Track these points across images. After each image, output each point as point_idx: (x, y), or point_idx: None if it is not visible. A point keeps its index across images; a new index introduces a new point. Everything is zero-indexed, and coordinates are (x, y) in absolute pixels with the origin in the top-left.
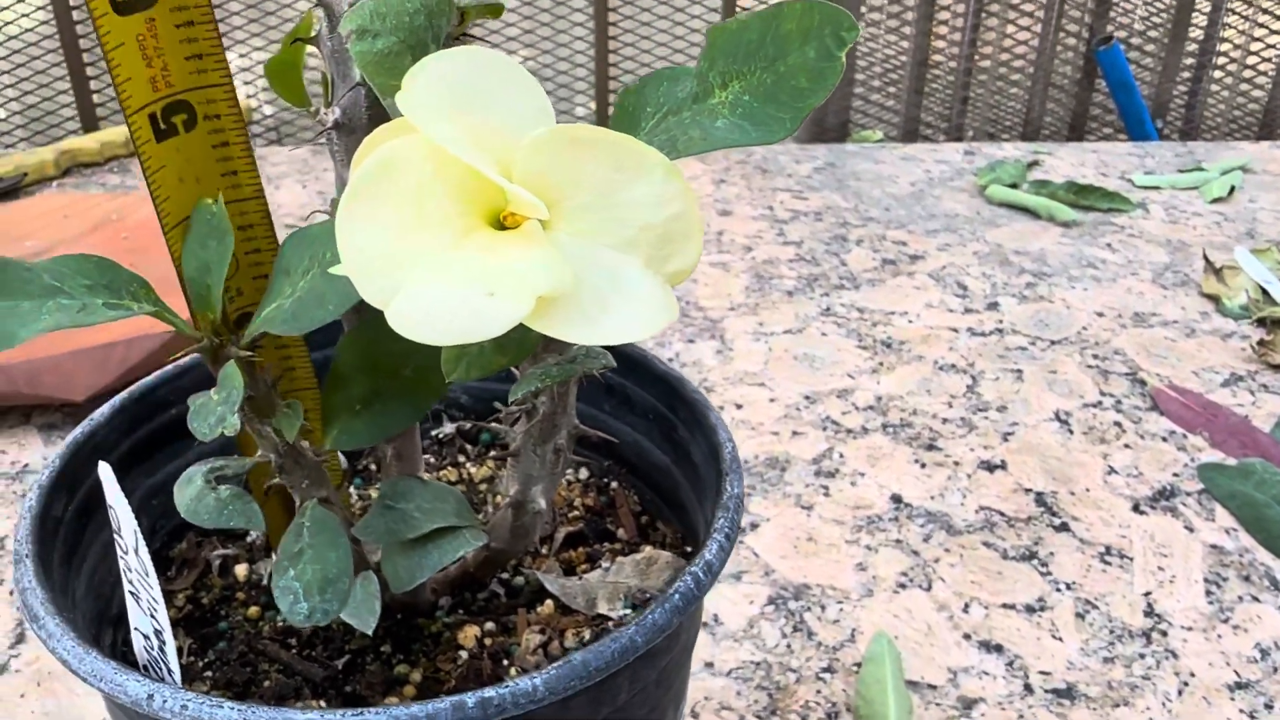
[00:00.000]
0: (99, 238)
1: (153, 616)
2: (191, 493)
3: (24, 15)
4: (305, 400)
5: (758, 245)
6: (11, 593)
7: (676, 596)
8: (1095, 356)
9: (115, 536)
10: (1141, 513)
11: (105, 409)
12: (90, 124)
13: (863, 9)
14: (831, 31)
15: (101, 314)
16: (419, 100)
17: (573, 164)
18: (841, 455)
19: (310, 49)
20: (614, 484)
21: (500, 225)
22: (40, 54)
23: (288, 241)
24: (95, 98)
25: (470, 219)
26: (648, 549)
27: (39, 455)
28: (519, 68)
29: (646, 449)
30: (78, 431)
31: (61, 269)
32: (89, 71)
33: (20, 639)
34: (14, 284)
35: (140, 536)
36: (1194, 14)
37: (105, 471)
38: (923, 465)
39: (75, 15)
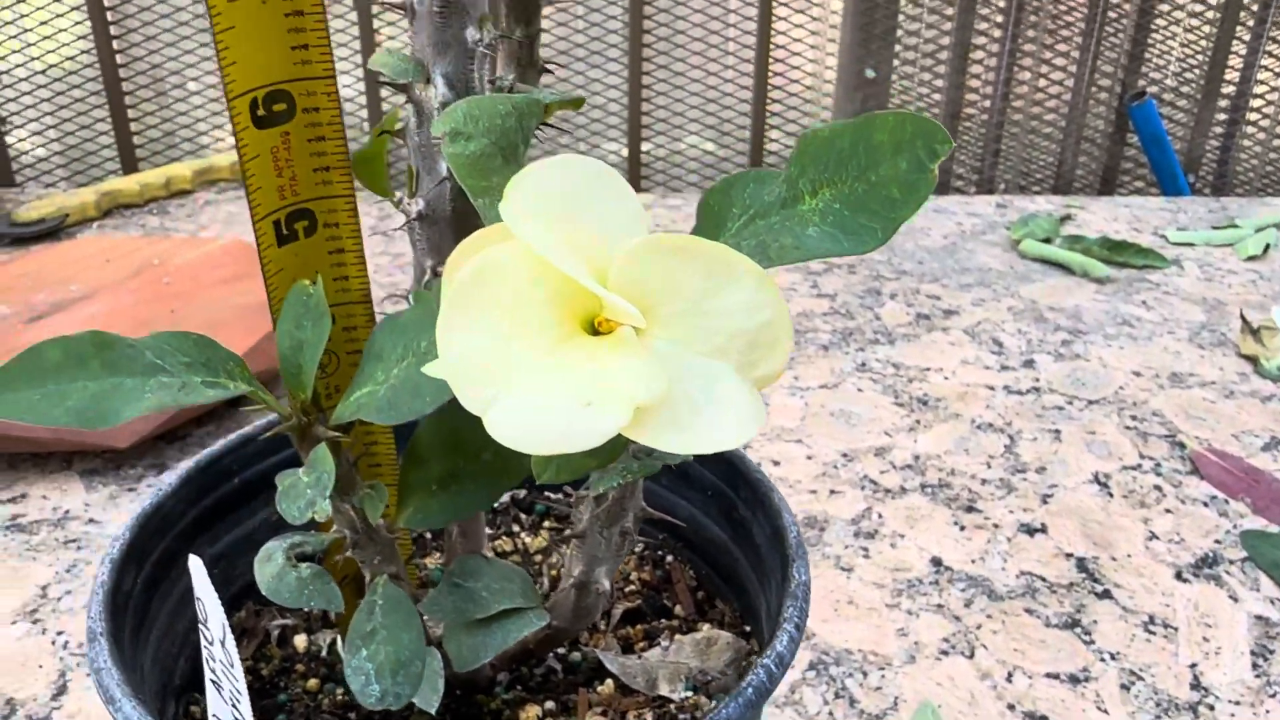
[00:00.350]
0: (142, 281)
1: (235, 707)
2: (272, 570)
3: (68, 58)
4: (383, 475)
5: (792, 298)
6: (53, 642)
7: (750, 691)
8: (1133, 418)
9: (201, 627)
10: (1184, 580)
11: (173, 479)
12: (129, 163)
13: (895, 61)
14: (924, 144)
15: (200, 393)
16: (519, 210)
17: (667, 271)
18: (880, 516)
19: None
20: (670, 558)
21: (594, 329)
22: (83, 95)
23: (380, 328)
24: (135, 139)
25: (566, 325)
26: (706, 628)
27: (80, 501)
28: (614, 174)
29: (704, 524)
30: (146, 504)
31: (163, 346)
32: (130, 113)
33: (63, 690)
34: (120, 361)
35: (228, 629)
36: (1227, 69)
37: (196, 566)
38: (962, 527)
39: (119, 58)
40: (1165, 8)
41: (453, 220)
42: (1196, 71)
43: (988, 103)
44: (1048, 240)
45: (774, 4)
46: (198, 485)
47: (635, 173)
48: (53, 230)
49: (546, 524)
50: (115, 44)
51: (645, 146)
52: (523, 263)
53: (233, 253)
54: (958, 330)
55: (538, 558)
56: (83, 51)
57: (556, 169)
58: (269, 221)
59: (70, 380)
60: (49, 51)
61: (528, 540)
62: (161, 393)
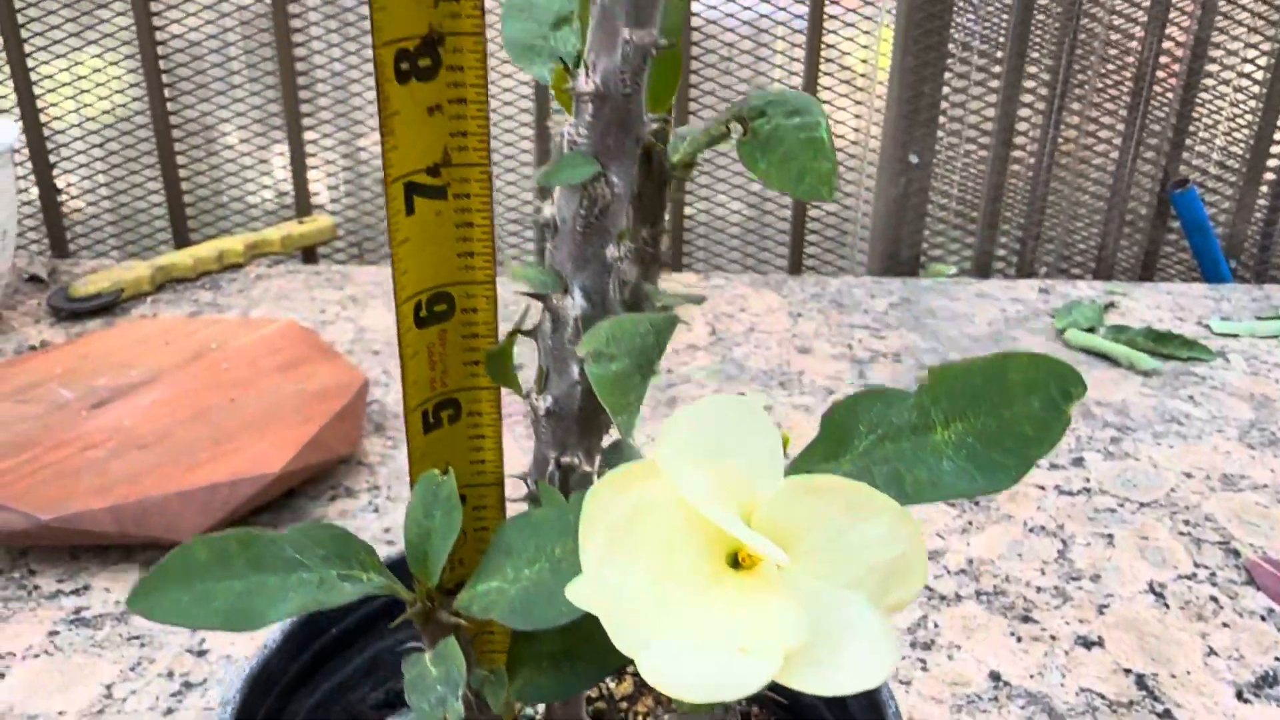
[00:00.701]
0: (201, 367)
1: None
2: None
3: (121, 119)
4: (494, 645)
5: (838, 387)
6: None
7: None
8: (1186, 522)
9: None
10: (1245, 701)
11: (276, 635)
12: (182, 236)
13: (937, 146)
14: (1058, 387)
15: (339, 590)
16: (673, 454)
17: (808, 509)
18: (937, 625)
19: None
20: (755, 709)
21: (737, 560)
22: (139, 169)
23: (511, 524)
24: (188, 210)
25: (713, 562)
26: None
27: None
28: (758, 412)
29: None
30: (253, 664)
31: (301, 540)
32: (184, 186)
33: None
34: (263, 558)
35: None
36: (1270, 156)
37: None
38: (1019, 639)
39: (174, 133)
40: (1207, 95)
41: (579, 418)
42: (1239, 156)
43: (1029, 187)
44: (1092, 329)
45: (819, 88)
46: (299, 640)
47: (678, 249)
48: (108, 305)
49: (632, 670)
50: (169, 105)
51: (687, 212)
52: (675, 505)
53: (288, 336)
54: None
55: (623, 704)
56: (136, 113)
57: (709, 414)
58: (417, 413)
59: (217, 580)
60: (104, 112)
61: (614, 686)
62: (303, 591)
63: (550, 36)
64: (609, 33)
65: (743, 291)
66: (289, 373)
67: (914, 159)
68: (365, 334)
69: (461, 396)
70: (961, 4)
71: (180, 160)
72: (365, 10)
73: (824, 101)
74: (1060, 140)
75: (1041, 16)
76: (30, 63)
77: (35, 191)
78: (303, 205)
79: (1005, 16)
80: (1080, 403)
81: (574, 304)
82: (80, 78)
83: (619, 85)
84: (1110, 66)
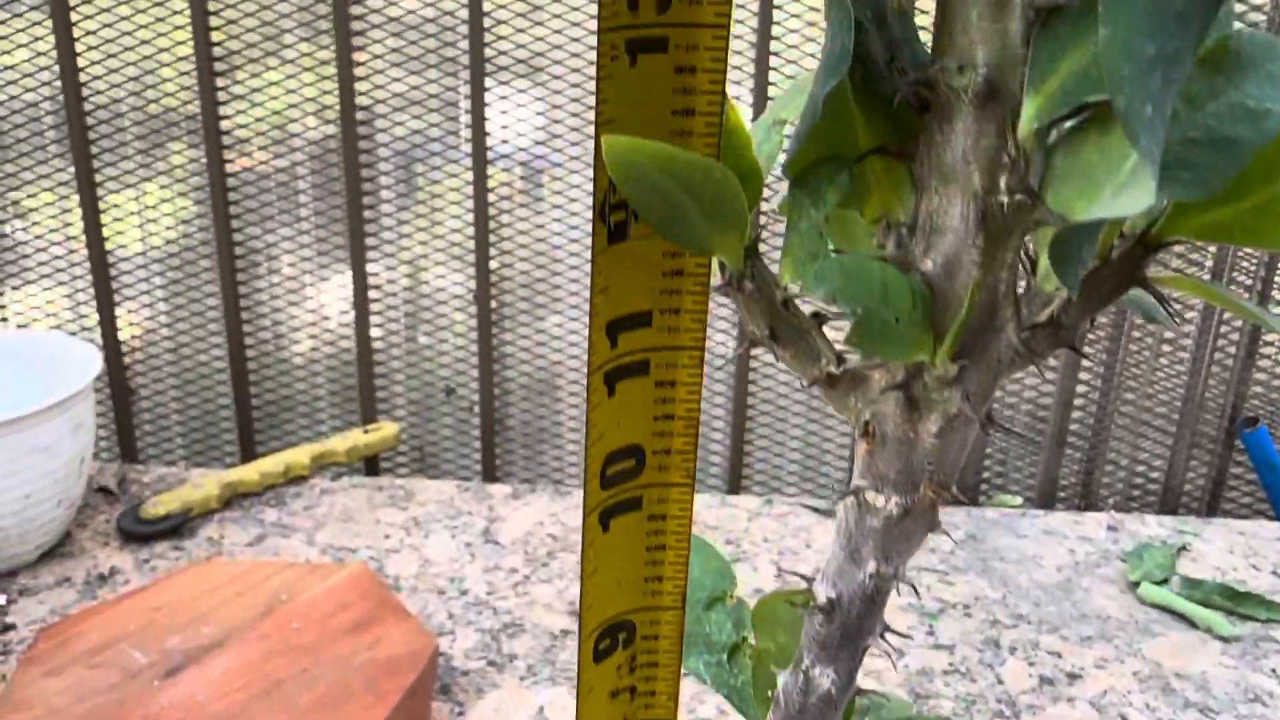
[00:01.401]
0: (272, 624)
1: None
2: None
3: (200, 351)
4: None
5: (910, 648)
6: None
7: None
8: None
9: None
10: None
11: None
12: (249, 450)
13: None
14: None
15: None
16: None
17: None
18: None
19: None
20: None
21: None
22: (211, 385)
23: None
24: (256, 424)
25: None
26: None
27: None
28: None
29: None
30: None
31: None
32: (253, 402)
33: None
34: None
35: None
36: None
37: None
38: None
39: (248, 352)
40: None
41: None
42: None
43: (1092, 420)
44: (1165, 580)
45: None
46: None
47: (737, 468)
48: (176, 526)
49: None
50: (249, 354)
51: (747, 425)
52: None
53: (358, 585)
54: (1084, 702)
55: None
56: (215, 345)
57: None
58: (590, 640)
59: None
60: (181, 335)
61: None
62: None
63: (703, 620)
64: (854, 562)
65: (806, 523)
66: (360, 634)
67: None
68: (429, 568)
69: (636, 618)
70: None
71: (242, 290)
72: (431, 165)
73: None
74: (1124, 375)
75: None
76: (100, 191)
77: (106, 391)
78: (368, 410)
79: None
80: (1159, 672)
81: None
82: (148, 207)
83: (853, 606)
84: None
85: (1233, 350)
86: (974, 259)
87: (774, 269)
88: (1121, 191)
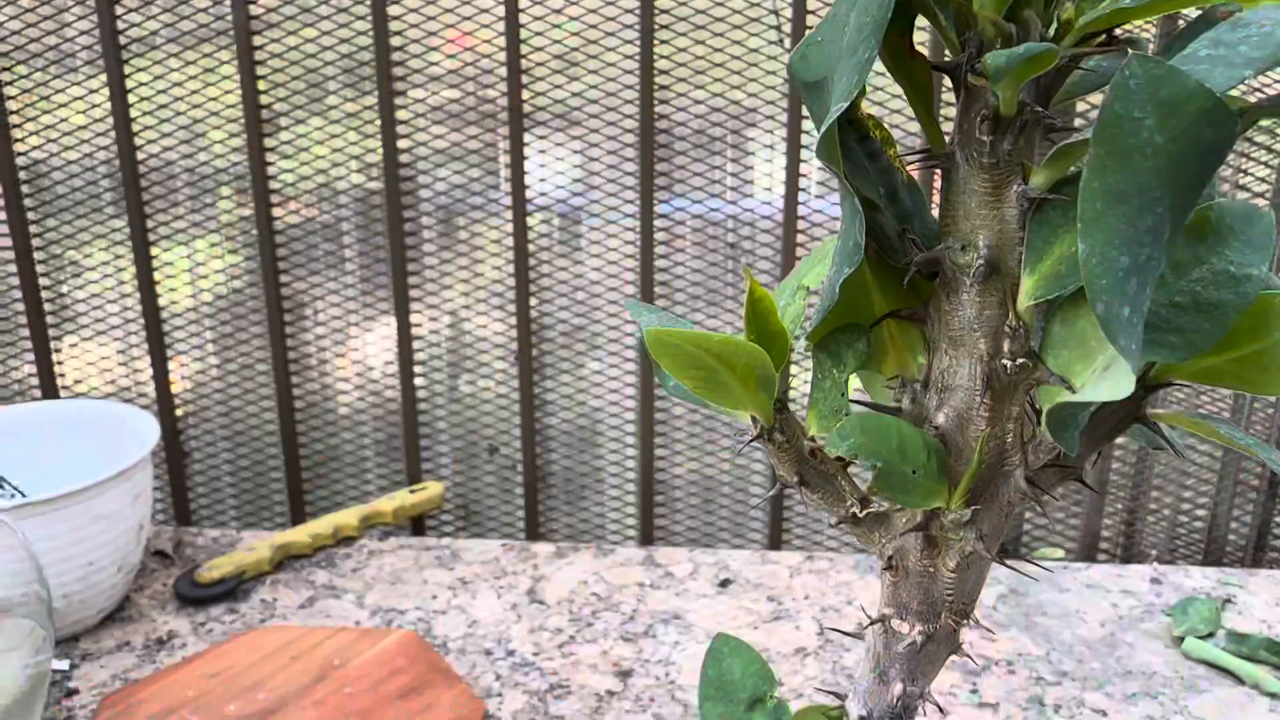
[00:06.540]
0: (325, 690)
1: None
2: None
3: (250, 404)
4: None
5: (953, 707)
6: None
7: None
8: None
9: None
10: None
11: None
12: (298, 508)
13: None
14: None
15: None
16: None
17: None
18: None
19: None
20: None
21: None
22: (261, 443)
23: None
24: (304, 482)
25: None
26: None
27: None
28: None
29: None
30: None
31: None
32: (302, 461)
33: None
34: None
35: None
36: None
37: None
38: None
39: (296, 404)
40: None
41: None
42: None
43: (1131, 468)
44: (1210, 634)
45: None
46: None
47: (777, 525)
48: (231, 589)
49: None
50: (296, 405)
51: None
52: None
53: (407, 652)
54: None
55: None
56: (260, 374)
57: None
58: None
59: None
60: (232, 389)
61: None
62: None
63: None
64: (883, 683)
65: (847, 578)
66: (411, 700)
67: None
68: (476, 629)
69: None
70: None
71: (290, 343)
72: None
73: None
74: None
75: None
76: (154, 250)
77: (163, 455)
78: (413, 467)
79: None
80: None
81: None
82: (198, 264)
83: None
84: None
85: (1273, 399)
86: (982, 414)
87: (802, 415)
88: (1106, 376)
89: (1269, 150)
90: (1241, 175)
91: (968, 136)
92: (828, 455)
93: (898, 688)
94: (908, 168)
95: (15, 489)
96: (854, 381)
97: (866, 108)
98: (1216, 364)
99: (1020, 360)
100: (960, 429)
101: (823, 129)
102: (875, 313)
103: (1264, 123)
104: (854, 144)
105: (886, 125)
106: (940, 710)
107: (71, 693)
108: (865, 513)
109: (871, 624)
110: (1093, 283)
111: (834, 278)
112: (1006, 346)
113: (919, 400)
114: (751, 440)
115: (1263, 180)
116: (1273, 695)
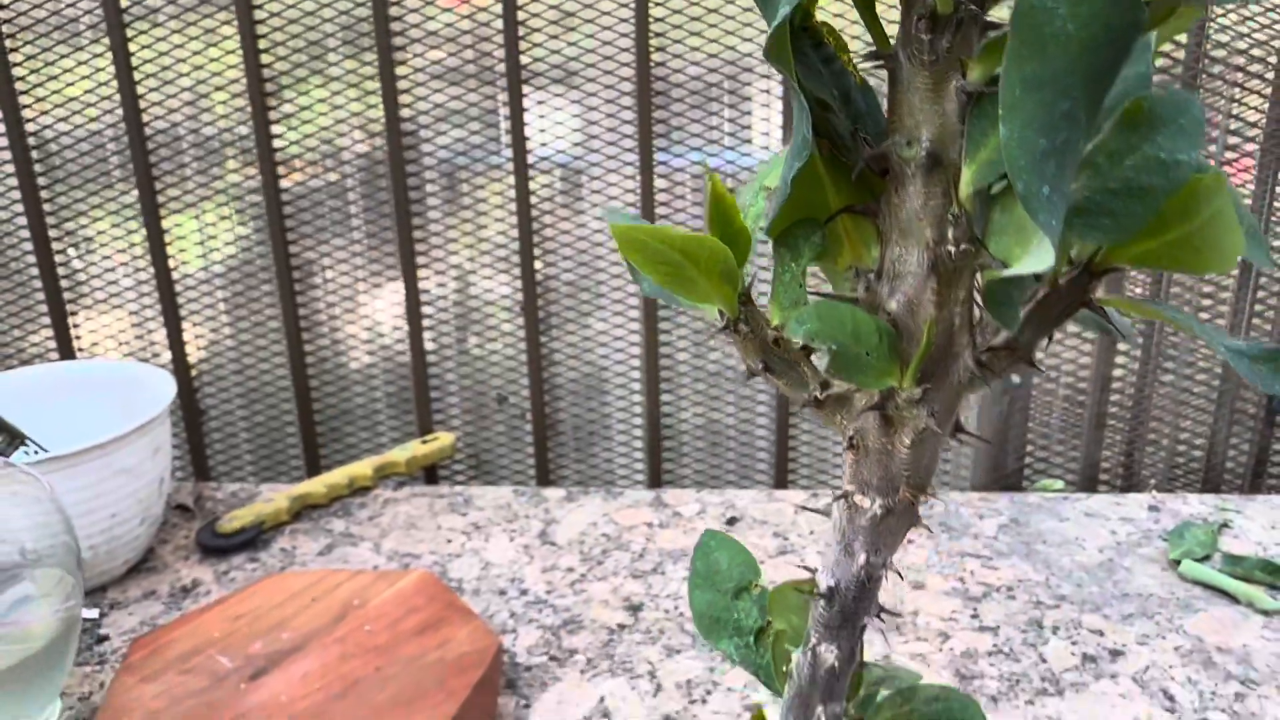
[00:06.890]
0: (347, 629)
1: None
2: None
3: (264, 365)
4: None
5: (954, 631)
6: None
7: None
8: None
9: None
10: None
11: None
12: (314, 463)
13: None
14: None
15: None
16: None
17: None
18: None
19: None
20: None
21: None
22: (275, 400)
23: None
24: (319, 438)
25: None
26: None
27: None
28: None
29: None
30: None
31: None
32: (316, 416)
33: None
34: None
35: None
36: None
37: None
38: None
39: (309, 367)
40: None
41: None
42: None
43: (1130, 399)
44: (1206, 557)
45: None
46: None
47: (782, 464)
48: (251, 539)
49: None
50: (310, 373)
51: (792, 420)
52: None
53: (424, 591)
54: (1126, 678)
55: None
56: (273, 337)
57: None
58: None
59: None
60: (245, 351)
61: None
62: None
63: (732, 608)
64: (848, 555)
65: None
66: (428, 636)
67: (1016, 379)
68: (490, 570)
69: None
70: None
71: (300, 304)
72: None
73: None
74: (1166, 336)
75: None
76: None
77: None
78: (424, 420)
79: None
80: (1200, 647)
81: None
82: (207, 225)
83: (849, 592)
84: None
85: (1269, 327)
86: (930, 299)
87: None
88: (1032, 252)
89: (1259, 95)
90: (1232, 120)
91: (909, 36)
92: (789, 343)
93: (861, 558)
94: (859, 71)
95: (39, 446)
96: (825, 286)
97: (821, 17)
98: (1153, 247)
99: (964, 246)
100: (911, 314)
101: (771, 29)
102: (831, 208)
103: (1255, 66)
104: (809, 49)
105: (842, 34)
106: (900, 576)
107: (102, 639)
108: (826, 395)
109: (836, 500)
110: (1013, 164)
111: (786, 173)
112: (951, 234)
113: (873, 289)
114: (719, 331)
115: (1254, 125)
116: (1266, 613)
